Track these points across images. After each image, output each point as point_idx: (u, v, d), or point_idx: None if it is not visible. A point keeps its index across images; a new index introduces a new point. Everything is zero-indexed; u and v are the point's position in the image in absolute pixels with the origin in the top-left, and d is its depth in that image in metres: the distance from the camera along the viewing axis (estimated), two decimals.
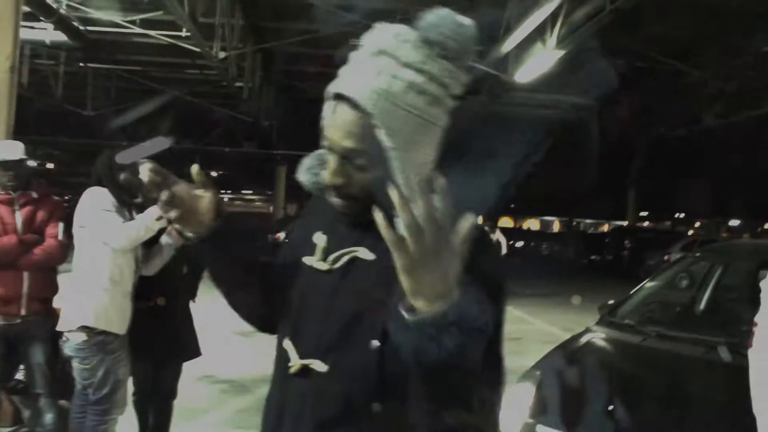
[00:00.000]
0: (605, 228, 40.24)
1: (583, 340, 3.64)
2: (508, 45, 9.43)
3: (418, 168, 1.07)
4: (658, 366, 3.29)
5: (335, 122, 1.10)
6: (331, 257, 1.17)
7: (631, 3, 7.45)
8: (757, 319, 2.24)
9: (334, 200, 1.15)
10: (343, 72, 1.11)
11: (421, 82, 1.06)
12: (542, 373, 3.23)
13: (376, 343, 1.07)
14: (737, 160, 19.34)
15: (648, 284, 4.30)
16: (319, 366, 1.13)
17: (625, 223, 29.10)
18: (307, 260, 1.21)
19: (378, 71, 1.06)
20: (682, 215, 35.98)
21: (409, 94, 1.06)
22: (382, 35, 1.10)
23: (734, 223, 34.07)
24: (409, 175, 1.04)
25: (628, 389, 3.05)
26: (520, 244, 29.92)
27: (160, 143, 3.56)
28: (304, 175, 1.25)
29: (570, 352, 3.50)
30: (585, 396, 3.03)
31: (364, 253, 1.14)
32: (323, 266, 1.18)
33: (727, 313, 3.91)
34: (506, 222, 38.44)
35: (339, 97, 1.10)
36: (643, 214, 33.85)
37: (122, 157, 3.34)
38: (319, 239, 1.21)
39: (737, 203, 25.36)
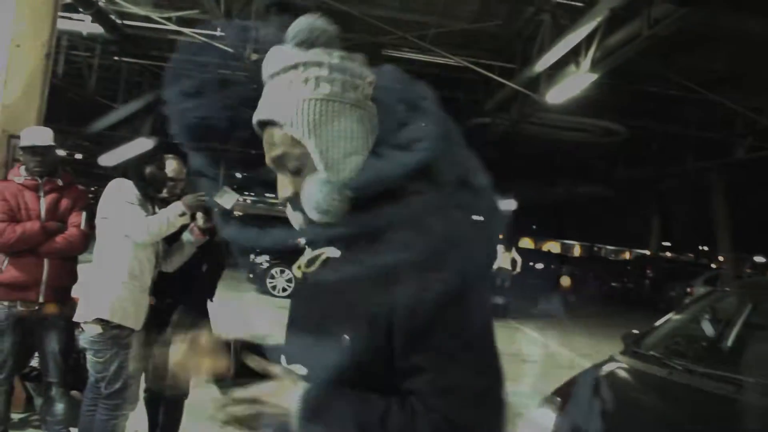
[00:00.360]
0: (627, 255, 39.83)
1: (607, 368, 3.54)
2: (541, 65, 9.35)
3: (345, 155, 1.15)
4: (684, 401, 3.18)
5: (264, 147, 1.22)
6: (305, 261, 1.23)
7: (668, 30, 7.33)
8: None
9: (298, 219, 1.21)
10: None
11: (299, 72, 1.16)
12: (564, 399, 3.14)
13: (346, 338, 1.09)
14: (765, 195, 19.04)
15: (675, 316, 4.20)
16: (300, 369, 1.16)
17: (647, 252, 28.76)
18: (293, 270, 1.29)
19: (270, 90, 1.19)
20: (706, 248, 35.45)
21: (294, 87, 1.16)
22: (264, 67, 1.21)
23: (759, 259, 33.43)
24: (332, 162, 1.15)
25: (652, 423, 2.95)
26: (540, 266, 29.65)
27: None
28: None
29: (593, 380, 3.40)
30: (608, 426, 2.93)
31: (332, 252, 1.19)
32: (299, 273, 1.25)
33: (756, 351, 3.79)
34: (526, 243, 38.18)
35: (259, 126, 1.22)
36: (666, 244, 33.41)
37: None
38: (307, 253, 1.26)
39: (764, 239, 24.94)
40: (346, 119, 1.17)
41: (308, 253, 1.25)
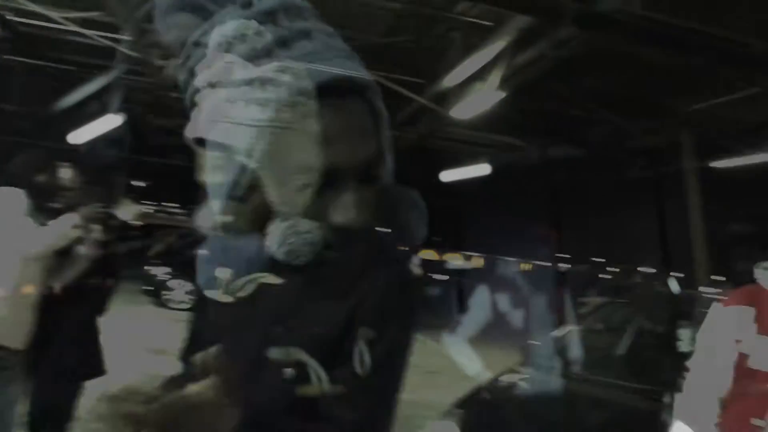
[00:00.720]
0: (526, 267, 41.10)
1: (508, 379, 3.63)
2: (450, 81, 9.55)
3: (299, 189, 1.05)
4: (581, 410, 3.30)
5: (201, 166, 1.10)
6: (235, 286, 1.11)
7: (572, 52, 7.67)
8: (688, 364, 2.30)
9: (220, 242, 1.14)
10: None
11: (254, 90, 1.03)
12: (466, 412, 3.19)
13: (290, 371, 1.02)
14: (654, 210, 20.17)
15: (572, 328, 4.35)
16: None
17: (546, 264, 29.78)
18: (209, 294, 1.14)
19: (212, 105, 1.06)
20: (601, 260, 37.13)
21: (249, 109, 1.03)
22: (202, 71, 1.10)
23: (647, 270, 35.23)
24: (287, 197, 1.05)
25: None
26: (445, 277, 30.10)
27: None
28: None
29: (494, 391, 3.48)
30: None
31: (271, 278, 1.09)
32: (227, 298, 1.12)
33: (647, 359, 3.99)
34: (429, 254, 38.65)
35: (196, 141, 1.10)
36: (563, 255, 34.68)
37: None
38: (223, 273, 1.13)
39: (651, 251, 26.35)
40: (304, 150, 1.05)
41: (225, 273, 1.13)
